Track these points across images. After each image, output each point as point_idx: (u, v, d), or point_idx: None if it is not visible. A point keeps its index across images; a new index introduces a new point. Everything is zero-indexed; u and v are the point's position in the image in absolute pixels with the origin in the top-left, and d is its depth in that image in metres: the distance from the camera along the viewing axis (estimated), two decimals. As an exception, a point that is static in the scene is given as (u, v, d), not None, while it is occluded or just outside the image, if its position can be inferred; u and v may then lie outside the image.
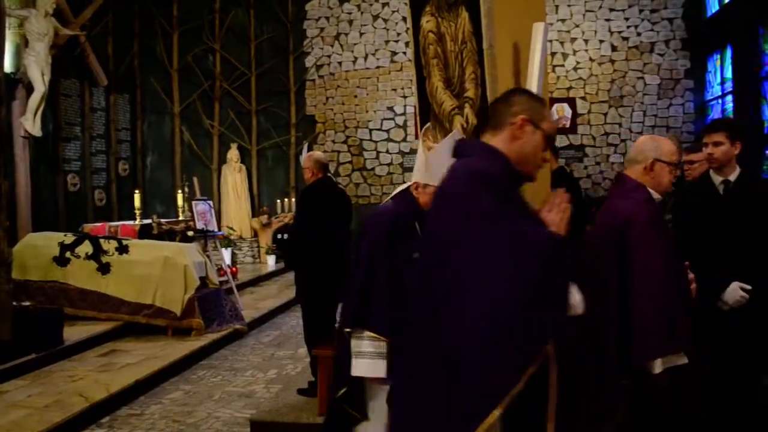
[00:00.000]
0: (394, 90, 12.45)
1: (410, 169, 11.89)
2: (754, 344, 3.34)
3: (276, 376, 5.61)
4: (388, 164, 12.49)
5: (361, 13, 12.59)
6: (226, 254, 9.74)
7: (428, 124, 3.88)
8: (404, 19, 12.00)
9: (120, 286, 6.57)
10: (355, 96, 12.56)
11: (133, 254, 6.71)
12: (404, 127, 12.39)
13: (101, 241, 6.84)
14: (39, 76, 8.87)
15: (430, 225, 2.08)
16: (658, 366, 2.57)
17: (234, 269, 9.51)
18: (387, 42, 12.49)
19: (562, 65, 12.16)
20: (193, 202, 7.93)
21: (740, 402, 3.37)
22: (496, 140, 2.01)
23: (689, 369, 2.69)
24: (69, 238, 6.90)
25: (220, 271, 8.26)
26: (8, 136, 7.80)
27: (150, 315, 6.52)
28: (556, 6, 12.11)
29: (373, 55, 12.52)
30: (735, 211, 3.45)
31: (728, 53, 10.76)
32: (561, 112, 12.09)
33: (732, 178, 3.53)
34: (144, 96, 12.77)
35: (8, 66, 8.28)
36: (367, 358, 2.84)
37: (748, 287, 3.32)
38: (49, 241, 6.92)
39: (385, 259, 2.88)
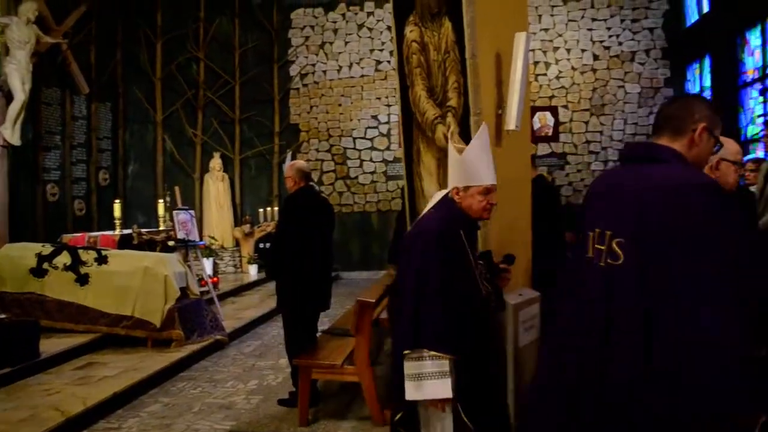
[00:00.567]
0: (378, 99, 12.46)
1: (394, 178, 11.93)
2: None
3: (257, 386, 5.54)
4: (372, 173, 12.48)
5: (346, 22, 12.61)
6: (208, 264, 9.65)
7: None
8: (389, 28, 12.04)
9: (99, 298, 6.46)
10: (340, 105, 12.56)
11: (113, 265, 6.61)
12: (388, 135, 12.40)
13: (80, 251, 6.73)
14: (19, 84, 8.75)
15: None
16: None
17: (215, 279, 9.42)
18: (371, 51, 12.52)
19: (545, 74, 12.24)
20: (175, 212, 7.83)
21: None
22: (677, 145, 2.07)
23: None
24: (47, 248, 6.78)
25: (201, 281, 8.17)
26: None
27: (129, 326, 6.41)
28: (539, 16, 12.21)
29: (358, 64, 12.54)
30: None
31: (707, 62, 10.89)
32: (543, 120, 12.15)
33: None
34: (126, 105, 12.66)
35: (-13, 74, 8.17)
36: (433, 379, 2.63)
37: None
38: (26, 251, 6.79)
39: (437, 272, 2.68)
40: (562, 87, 12.25)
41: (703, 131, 2.07)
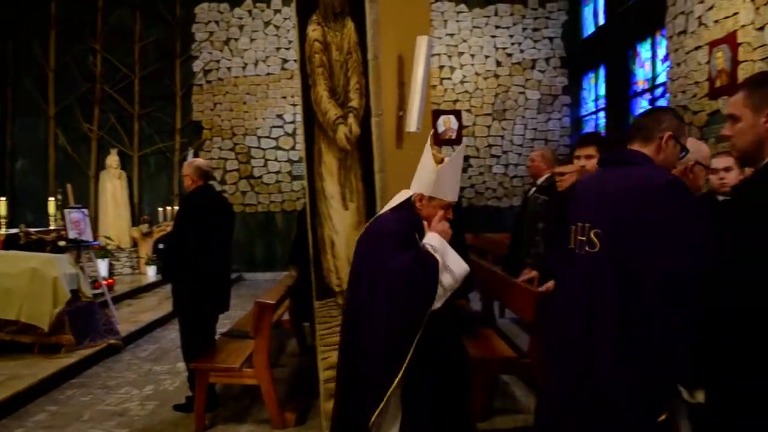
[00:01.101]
0: (284, 98, 12.32)
1: (299, 178, 11.83)
2: None
3: (152, 392, 5.34)
4: (277, 172, 12.33)
5: (253, 18, 12.39)
6: (102, 265, 9.23)
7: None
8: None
9: (-20, 301, 6.04)
10: (244, 102, 12.32)
11: (-4, 266, 6.20)
12: (293, 135, 12.28)
13: (-41, 252, 6.28)
14: None
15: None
16: None
17: (110, 281, 9.02)
18: (278, 49, 12.36)
19: (450, 78, 12.49)
20: (66, 211, 7.44)
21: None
22: (647, 150, 2.39)
23: None
24: None
25: (95, 283, 7.81)
26: None
27: (14, 332, 6.03)
28: (445, 21, 12.44)
29: (264, 61, 12.35)
30: None
31: (602, 72, 11.44)
32: (447, 123, 12.39)
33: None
34: (16, 96, 11.92)
35: None
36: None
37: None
38: None
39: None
40: (466, 91, 12.54)
41: (669, 138, 2.37)
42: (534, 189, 5.28)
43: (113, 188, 11.89)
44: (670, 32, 8.15)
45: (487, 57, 12.57)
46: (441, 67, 12.38)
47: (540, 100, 12.58)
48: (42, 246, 7.81)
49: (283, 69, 12.34)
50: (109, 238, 11.02)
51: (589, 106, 12.20)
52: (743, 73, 6.49)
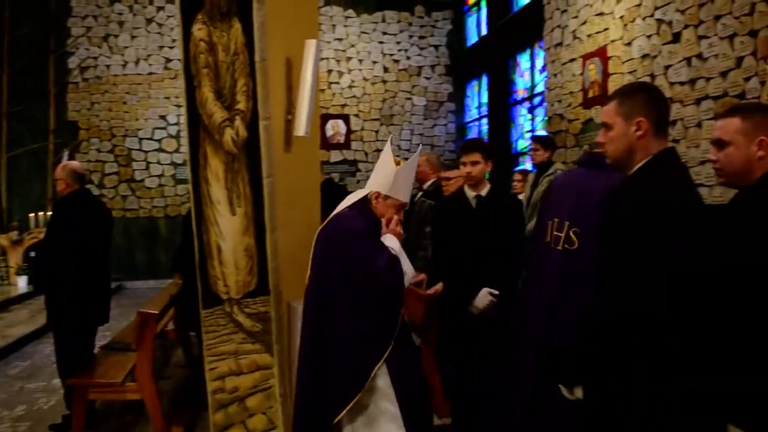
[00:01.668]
0: (168, 98, 11.88)
1: (184, 181, 11.47)
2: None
3: (25, 412, 4.98)
4: (160, 176, 11.86)
5: (134, 15, 11.86)
6: (-34, 275, 8.52)
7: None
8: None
9: None
10: (125, 102, 11.76)
11: None
12: (177, 137, 11.86)
13: None
14: None
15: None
16: None
17: (-25, 292, 8.35)
18: (161, 48, 11.91)
19: (338, 83, 12.52)
20: None
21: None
22: None
23: None
24: None
25: (-43, 295, 7.20)
26: None
27: None
28: (333, 25, 12.46)
29: (146, 60, 11.86)
30: (485, 223, 3.76)
31: (484, 81, 11.86)
32: (336, 128, 12.43)
33: (483, 193, 3.86)
34: None
35: None
36: None
37: (496, 292, 3.62)
38: None
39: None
40: (354, 96, 12.61)
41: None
42: (420, 193, 5.39)
43: (-23, 192, 11.01)
44: (547, 44, 8.57)
45: (374, 62, 12.71)
46: (329, 72, 12.39)
47: (426, 106, 12.86)
48: None
49: (166, 68, 11.90)
50: (-28, 246, 10.19)
51: (473, 113, 12.62)
52: (613, 84, 6.94)
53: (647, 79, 6.36)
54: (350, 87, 12.59)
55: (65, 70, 11.58)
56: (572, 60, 7.85)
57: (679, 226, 1.82)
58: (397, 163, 2.98)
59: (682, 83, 5.89)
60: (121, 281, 11.18)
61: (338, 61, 12.56)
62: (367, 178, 11.20)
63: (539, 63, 9.56)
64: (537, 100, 9.67)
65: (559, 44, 8.16)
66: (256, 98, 3.63)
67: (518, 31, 9.89)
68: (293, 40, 3.80)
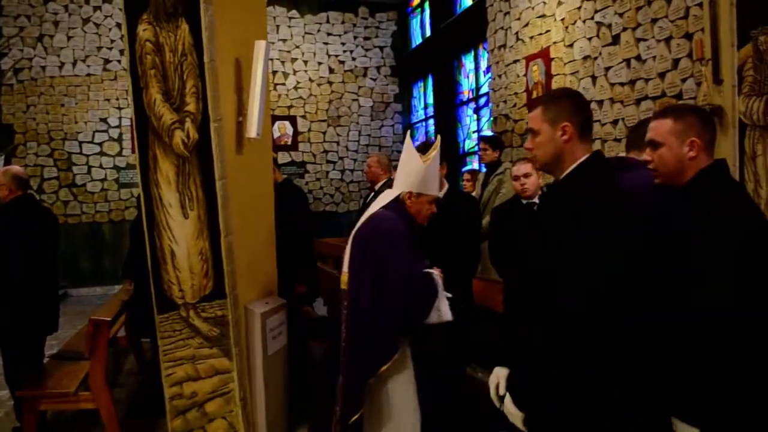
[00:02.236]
0: (108, 100, 11.58)
1: (128, 185, 11.22)
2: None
3: (-33, 427, 4.81)
4: (102, 180, 11.55)
5: (69, 14, 11.51)
6: None
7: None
8: (118, 25, 11.29)
9: None
10: (62, 105, 11.41)
11: None
12: (119, 140, 11.58)
13: None
14: None
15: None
16: None
17: None
18: (99, 48, 11.59)
19: (284, 84, 12.46)
20: None
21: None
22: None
23: None
24: None
25: None
26: None
27: None
28: (277, 26, 12.39)
29: (83, 61, 11.53)
30: (443, 222, 3.81)
31: (430, 81, 11.99)
32: (283, 129, 12.37)
33: (441, 194, 3.92)
34: None
35: None
36: None
37: (449, 295, 3.60)
38: None
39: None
40: (300, 97, 12.57)
41: None
42: (373, 194, 5.42)
43: None
44: (491, 46, 8.72)
45: (320, 63, 12.69)
46: (274, 73, 12.31)
47: (373, 107, 12.92)
48: None
49: (105, 70, 11.59)
50: None
51: (419, 113, 12.74)
52: (556, 85, 7.12)
53: (589, 80, 6.56)
54: (296, 88, 12.54)
55: (-2, 72, 11.17)
56: (516, 61, 8.01)
57: (612, 229, 1.86)
58: (426, 161, 3.04)
59: (622, 84, 6.10)
60: (66, 289, 10.84)
61: (283, 62, 12.49)
62: (317, 179, 11.15)
63: (483, 64, 9.73)
64: (482, 100, 9.83)
65: (503, 46, 8.32)
66: (206, 100, 3.60)
67: (462, 32, 10.04)
68: (241, 41, 3.78)
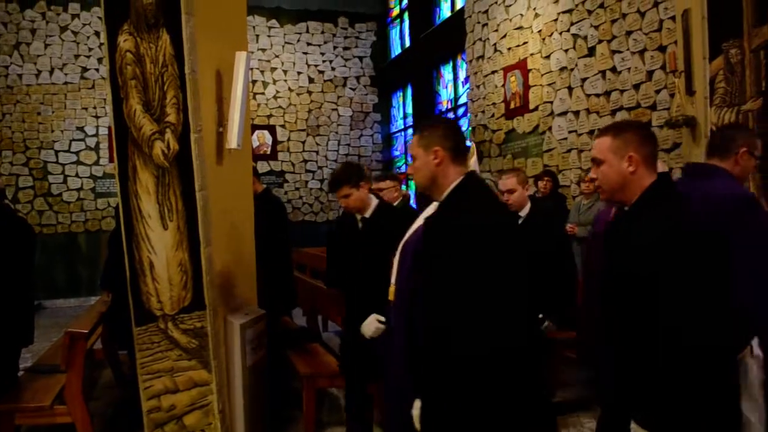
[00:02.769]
0: (85, 109, 11.48)
1: (105, 195, 11.11)
2: None
3: (-62, 441, 4.71)
4: (78, 189, 11.41)
5: (47, 22, 11.41)
6: None
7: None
8: (97, 33, 11.23)
9: None
10: (39, 113, 11.29)
11: None
12: (96, 149, 11.47)
13: None
14: None
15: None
16: None
17: None
18: (77, 57, 11.50)
19: (263, 93, 12.45)
20: None
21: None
22: (724, 165, 2.75)
23: None
24: None
25: None
26: None
27: None
28: (257, 36, 12.39)
29: (61, 69, 11.43)
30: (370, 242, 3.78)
31: (409, 91, 12.05)
32: (262, 138, 12.35)
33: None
34: None
35: None
36: None
37: (383, 318, 3.32)
38: None
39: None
40: (280, 107, 12.57)
41: (746, 153, 2.75)
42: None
43: None
44: (469, 57, 8.81)
45: (299, 73, 12.71)
46: (254, 82, 12.30)
47: (352, 117, 12.95)
48: None
49: (83, 78, 11.50)
50: None
51: (398, 123, 12.80)
52: (534, 95, 7.21)
53: (565, 91, 6.65)
54: (275, 97, 12.54)
55: (-27, 80, 11.03)
56: (494, 72, 8.10)
57: (495, 244, 2.03)
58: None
59: (597, 95, 6.20)
60: (40, 300, 10.68)
61: (262, 71, 12.49)
62: (296, 188, 11.12)
63: (462, 74, 9.81)
64: (461, 110, 9.90)
65: (481, 57, 8.41)
66: (187, 111, 3.60)
67: (441, 43, 10.12)
68: (222, 52, 3.79)
